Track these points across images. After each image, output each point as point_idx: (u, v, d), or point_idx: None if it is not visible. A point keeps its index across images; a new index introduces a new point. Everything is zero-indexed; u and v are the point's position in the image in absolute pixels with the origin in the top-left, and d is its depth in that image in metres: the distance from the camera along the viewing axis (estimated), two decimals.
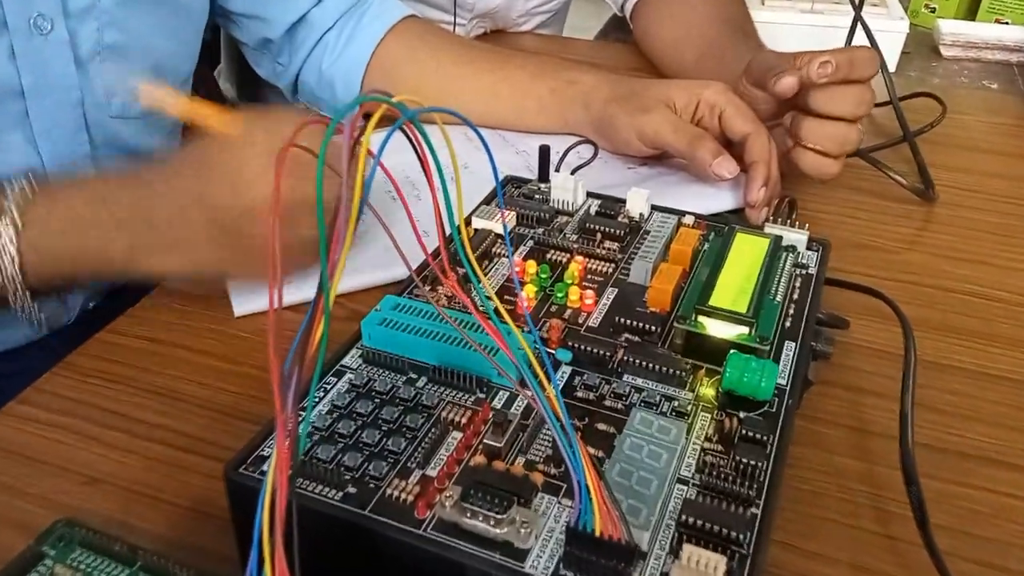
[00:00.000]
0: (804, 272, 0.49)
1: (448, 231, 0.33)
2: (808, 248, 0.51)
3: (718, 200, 0.66)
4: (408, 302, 0.43)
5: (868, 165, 0.73)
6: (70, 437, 0.47)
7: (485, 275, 0.48)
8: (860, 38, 0.76)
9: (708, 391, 0.40)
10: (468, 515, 0.32)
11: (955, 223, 0.69)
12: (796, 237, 0.50)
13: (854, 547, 0.42)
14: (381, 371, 0.40)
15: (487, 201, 0.54)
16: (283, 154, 0.28)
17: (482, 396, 0.39)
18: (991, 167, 0.78)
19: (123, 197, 0.52)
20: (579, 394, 0.39)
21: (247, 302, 0.55)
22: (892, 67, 0.97)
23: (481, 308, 0.36)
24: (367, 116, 0.28)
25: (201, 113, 0.52)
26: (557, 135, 0.76)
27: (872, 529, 0.43)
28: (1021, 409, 0.50)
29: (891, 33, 0.95)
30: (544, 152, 0.54)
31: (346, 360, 0.41)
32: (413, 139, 0.30)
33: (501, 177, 0.58)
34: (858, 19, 0.79)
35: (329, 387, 0.39)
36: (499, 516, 0.32)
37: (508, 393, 0.39)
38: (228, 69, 1.11)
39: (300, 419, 0.29)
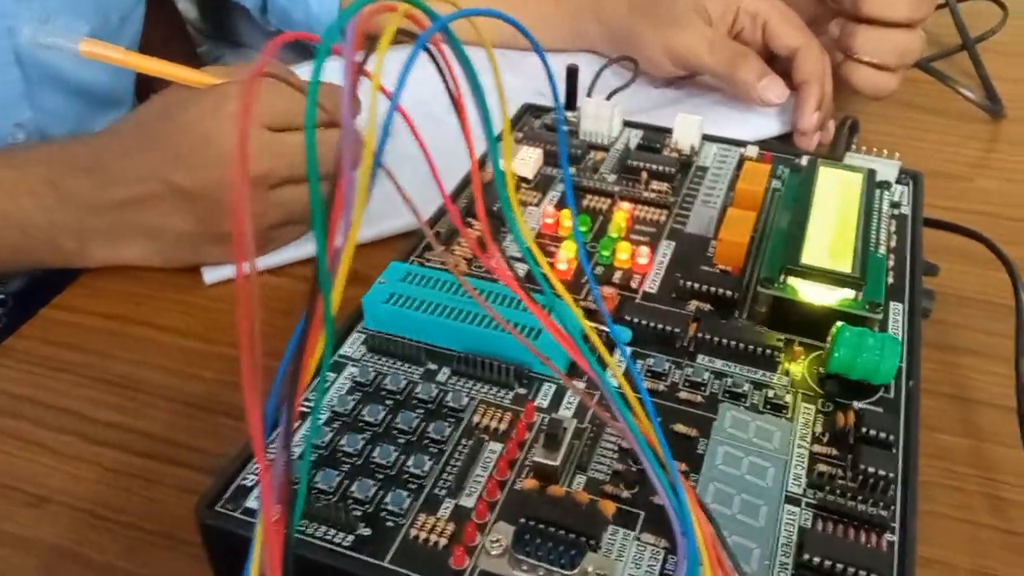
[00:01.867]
0: (898, 212, 0.40)
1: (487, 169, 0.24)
2: (900, 181, 0.42)
3: (763, 124, 0.57)
4: (419, 270, 0.34)
5: (926, 78, 0.64)
6: (8, 444, 0.38)
7: (510, 232, 0.39)
8: None
9: (807, 374, 0.31)
10: (524, 568, 0.24)
11: None
12: (884, 169, 0.41)
13: (974, 549, 0.34)
14: (391, 362, 0.32)
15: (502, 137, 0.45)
16: (250, 85, 0.19)
17: (523, 392, 0.31)
18: None
19: (70, 176, 0.43)
20: (645, 384, 0.31)
21: (219, 267, 0.46)
22: None
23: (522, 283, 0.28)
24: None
25: (154, 69, 0.42)
26: (570, 52, 0.66)
27: (992, 524, 0.35)
28: None
29: None
30: (572, 73, 0.44)
31: (346, 348, 0.32)
32: (441, 60, 0.21)
33: (515, 107, 0.48)
34: None
35: (327, 386, 0.31)
36: (567, 571, 0.24)
37: (556, 385, 0.31)
38: None
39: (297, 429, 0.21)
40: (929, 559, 0.34)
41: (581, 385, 0.31)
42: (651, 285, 0.36)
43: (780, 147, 0.45)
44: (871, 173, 0.38)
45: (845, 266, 0.33)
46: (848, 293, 0.32)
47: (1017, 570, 0.33)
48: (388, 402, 0.30)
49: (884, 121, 0.61)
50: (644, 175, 0.42)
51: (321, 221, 0.17)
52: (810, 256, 0.33)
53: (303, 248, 0.47)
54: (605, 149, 0.44)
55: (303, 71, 0.62)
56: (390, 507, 0.26)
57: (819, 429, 0.29)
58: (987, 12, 0.74)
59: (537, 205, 0.40)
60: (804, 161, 0.42)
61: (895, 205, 0.40)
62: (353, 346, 0.32)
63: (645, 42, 0.59)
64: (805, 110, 0.54)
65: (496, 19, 0.69)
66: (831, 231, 0.35)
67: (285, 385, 0.18)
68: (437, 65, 0.21)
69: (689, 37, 0.56)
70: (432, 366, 0.31)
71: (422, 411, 0.29)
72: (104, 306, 0.45)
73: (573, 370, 0.31)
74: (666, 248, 0.38)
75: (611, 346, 0.32)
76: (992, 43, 0.71)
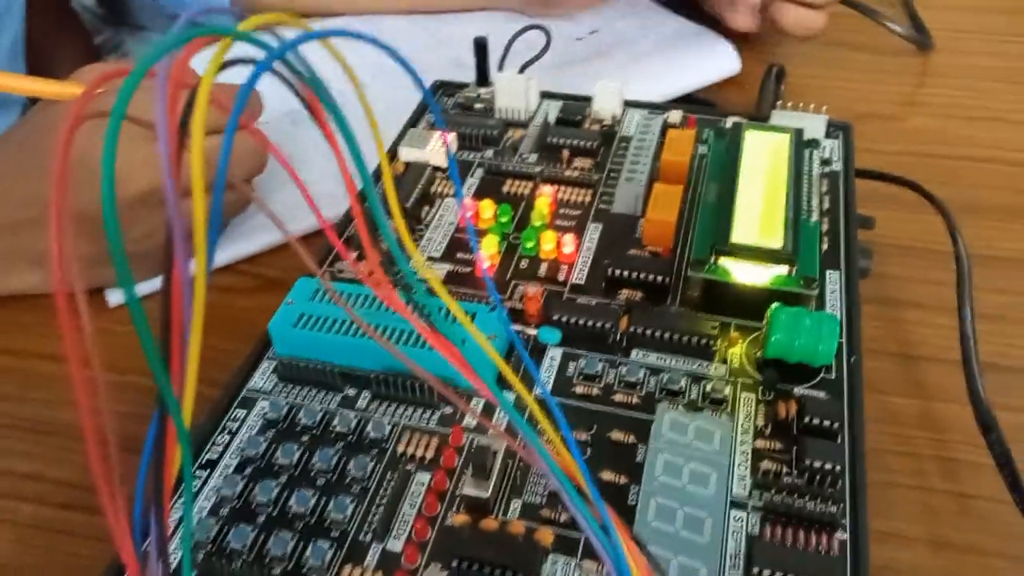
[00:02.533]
0: (829, 170, 0.38)
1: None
2: (826, 136, 0.40)
3: (698, 71, 0.55)
4: (332, 284, 0.32)
5: (851, 13, 0.62)
6: None
7: (427, 228, 0.36)
8: None
9: (746, 359, 0.30)
10: None
11: (958, 74, 0.59)
12: (811, 124, 0.39)
13: (928, 517, 0.34)
14: (306, 392, 0.29)
15: (413, 121, 0.42)
16: (75, 115, 0.16)
17: (449, 411, 0.29)
18: (986, 1, 0.68)
19: None
20: (578, 389, 0.29)
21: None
22: None
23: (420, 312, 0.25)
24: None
25: (11, 86, 0.39)
26: (478, 11, 0.63)
27: (945, 488, 0.35)
28: None
29: None
30: (481, 46, 0.42)
31: (255, 380, 0.30)
32: (294, 85, 0.18)
33: (429, 83, 0.45)
34: None
35: (236, 427, 0.28)
36: None
37: (484, 400, 0.29)
38: None
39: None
40: (884, 533, 0.33)
41: (518, 443, 0.29)
42: (579, 276, 0.34)
43: (705, 109, 0.43)
44: (798, 133, 0.37)
45: (776, 242, 0.31)
46: (781, 270, 0.31)
47: (971, 535, 0.33)
48: (304, 438, 0.28)
49: (811, 63, 0.60)
50: (566, 152, 0.39)
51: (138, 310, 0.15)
52: (740, 233, 0.31)
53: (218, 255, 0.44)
54: (524, 125, 0.42)
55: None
56: (311, 562, 0.24)
57: (761, 422, 0.28)
58: None
59: (454, 196, 0.38)
60: (730, 123, 0.40)
61: (825, 163, 0.38)
62: (263, 377, 0.30)
63: None
64: None
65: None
66: (760, 203, 0.33)
67: (148, 492, 0.16)
68: (294, 89, 0.18)
69: None
70: (351, 391, 0.29)
71: (341, 445, 0.27)
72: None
73: (504, 381, 0.29)
74: (593, 232, 0.36)
75: (541, 349, 0.31)
76: None
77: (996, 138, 0.53)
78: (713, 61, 0.55)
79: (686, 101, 0.54)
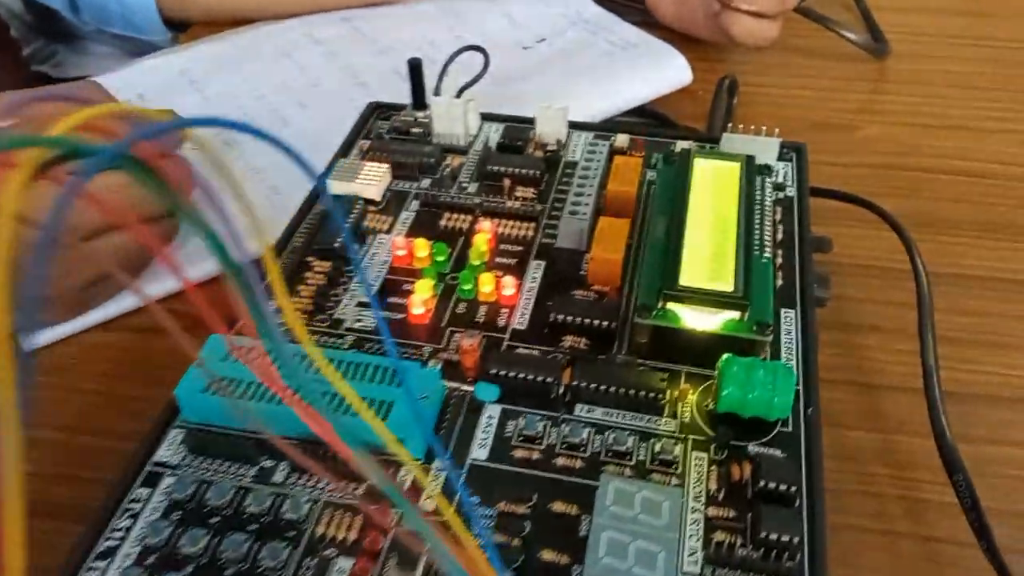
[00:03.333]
0: (783, 195, 0.36)
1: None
2: (779, 158, 0.38)
3: (649, 83, 0.52)
4: (249, 341, 0.29)
5: (803, 20, 0.60)
6: None
7: (360, 263, 0.34)
8: None
9: (697, 413, 0.28)
10: None
11: (915, 79, 0.58)
12: (763, 148, 0.37)
13: (894, 564, 0.32)
14: (216, 465, 0.27)
15: (345, 148, 0.39)
16: None
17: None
18: (941, 2, 0.66)
19: None
20: (518, 453, 0.27)
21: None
22: None
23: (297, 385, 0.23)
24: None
25: None
26: (421, 6, 0.61)
27: (911, 532, 0.33)
28: None
29: None
30: (415, 68, 0.39)
31: (161, 453, 0.27)
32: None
33: (367, 102, 0.43)
34: None
35: (138, 508, 0.26)
36: None
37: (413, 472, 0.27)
38: None
39: None
40: None
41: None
42: (520, 320, 0.31)
43: (654, 127, 0.41)
44: (749, 160, 0.34)
45: (727, 284, 0.29)
46: (733, 315, 0.29)
47: None
48: (213, 521, 0.25)
49: (765, 72, 0.58)
50: (507, 182, 0.37)
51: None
52: (689, 275, 0.29)
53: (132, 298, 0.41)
54: (463, 152, 0.39)
55: (112, 80, 0.55)
56: None
57: (714, 485, 0.26)
58: None
59: (388, 231, 0.35)
60: (679, 148, 0.38)
61: (779, 188, 0.36)
62: (171, 448, 0.27)
63: None
64: None
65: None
66: (710, 239, 0.31)
67: None
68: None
69: None
70: (267, 463, 0.27)
71: (254, 528, 0.25)
72: None
73: (432, 454, 0.27)
74: (536, 270, 0.33)
75: (478, 407, 0.28)
76: None
77: (956, 147, 0.51)
78: (664, 72, 0.53)
79: (638, 114, 0.52)
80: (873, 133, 0.53)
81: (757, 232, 0.32)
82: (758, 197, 0.33)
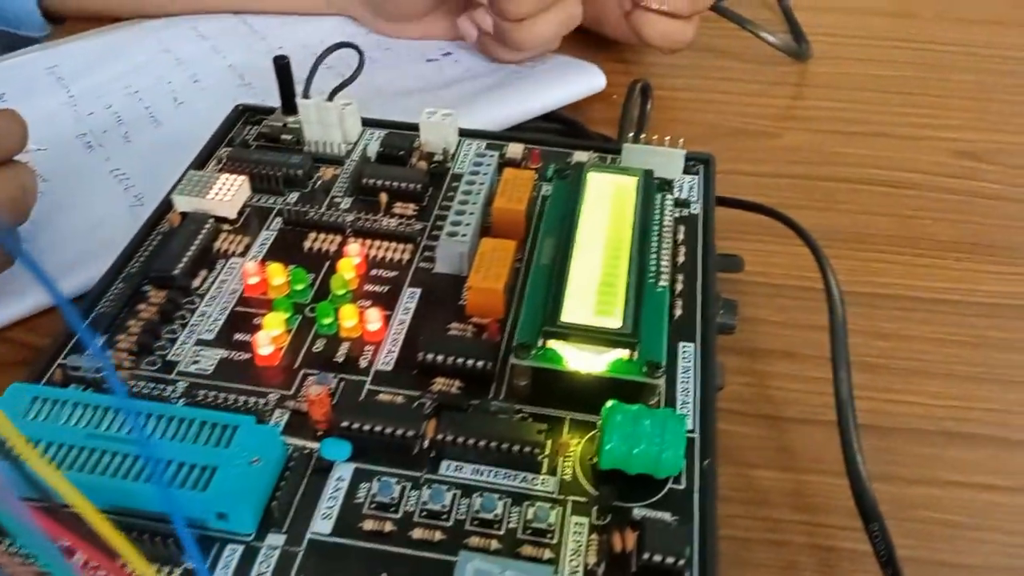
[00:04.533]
0: (687, 213, 0.33)
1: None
2: (687, 171, 0.35)
3: (555, 90, 0.49)
4: (55, 393, 0.24)
5: (722, 20, 0.58)
6: None
7: (203, 296, 0.29)
8: None
9: (579, 468, 0.24)
10: None
11: (837, 83, 0.55)
12: (667, 159, 0.34)
13: None
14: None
15: (204, 157, 0.35)
16: None
17: (190, 568, 0.22)
18: (864, 2, 0.64)
19: None
20: (367, 525, 0.23)
21: None
22: None
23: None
24: None
25: None
26: (318, 16, 0.56)
27: None
28: (970, 344, 0.38)
29: None
30: (283, 69, 0.35)
31: None
32: None
33: (233, 105, 0.38)
34: None
35: None
36: None
37: (243, 545, 0.22)
38: None
39: None
40: None
41: None
42: (387, 360, 0.27)
43: (557, 138, 0.38)
44: (647, 175, 0.31)
45: (615, 320, 0.25)
46: (621, 354, 0.25)
47: None
48: None
49: (681, 74, 0.55)
50: (384, 197, 0.33)
51: None
52: (573, 309, 0.26)
53: None
54: (339, 162, 0.35)
55: None
56: None
57: (593, 559, 0.22)
58: None
59: (244, 254, 0.31)
60: (577, 157, 0.35)
61: (683, 205, 0.33)
62: None
63: None
64: None
65: None
66: (600, 267, 0.27)
67: None
68: None
69: None
70: (66, 542, 0.22)
71: None
72: None
73: (265, 528, 0.23)
74: (410, 300, 0.30)
75: (327, 468, 0.24)
76: None
77: (878, 156, 0.49)
78: (576, 79, 0.49)
79: (548, 120, 0.48)
80: (793, 140, 0.50)
81: (654, 257, 0.28)
82: (656, 217, 0.30)
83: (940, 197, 0.46)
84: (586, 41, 0.54)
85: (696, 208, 0.33)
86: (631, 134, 0.47)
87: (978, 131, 0.51)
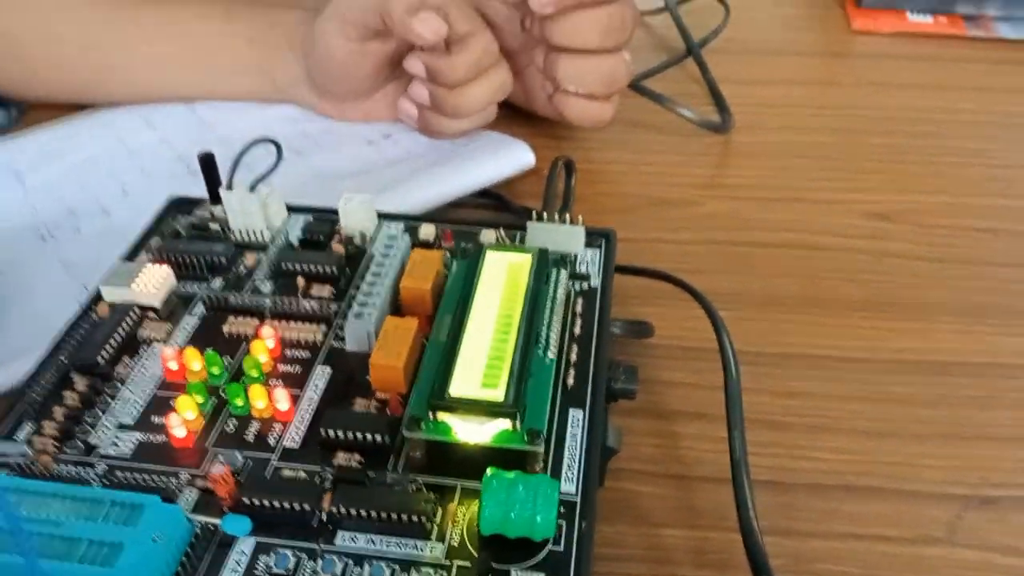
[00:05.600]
0: (586, 286, 0.35)
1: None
2: (588, 245, 0.37)
3: (486, 168, 0.52)
4: None
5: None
6: None
7: (125, 382, 0.31)
8: None
9: (467, 536, 0.26)
10: None
11: (758, 152, 0.58)
12: (567, 236, 0.37)
13: None
14: None
15: (133, 252, 0.37)
16: None
17: None
18: (786, 72, 0.68)
19: None
20: None
21: None
22: None
23: None
24: None
25: None
26: (268, 104, 0.59)
27: None
28: (871, 400, 0.40)
29: None
30: (207, 162, 0.37)
31: None
32: None
33: (168, 197, 0.41)
34: None
35: None
36: None
37: None
38: None
39: None
40: None
41: None
42: (294, 437, 0.29)
43: (467, 218, 0.40)
44: (542, 253, 0.33)
45: (499, 391, 0.27)
46: (504, 424, 0.27)
47: None
48: None
49: (608, 147, 0.58)
50: (301, 280, 0.35)
51: None
52: (461, 383, 0.28)
53: None
54: (262, 249, 0.37)
55: None
56: None
57: None
58: (712, 8, 0.72)
59: (166, 341, 0.33)
60: (484, 236, 0.37)
61: (582, 279, 0.35)
62: None
63: (322, 29, 0.52)
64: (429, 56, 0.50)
65: (173, 70, 0.61)
66: (490, 342, 0.29)
67: None
68: None
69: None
70: None
71: None
72: None
73: None
74: (320, 378, 0.31)
75: (229, 543, 0.26)
76: (720, 42, 0.69)
77: (794, 220, 0.52)
78: (507, 156, 0.52)
79: (479, 196, 0.51)
80: (714, 208, 0.53)
81: (543, 330, 0.30)
82: (550, 292, 0.32)
83: (851, 258, 0.49)
84: (519, 119, 0.57)
85: (596, 281, 0.36)
86: (568, 204, 0.50)
87: (890, 192, 0.54)
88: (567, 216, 0.37)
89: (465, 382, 0.28)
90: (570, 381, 0.31)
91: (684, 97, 0.61)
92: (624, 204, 0.53)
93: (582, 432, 0.29)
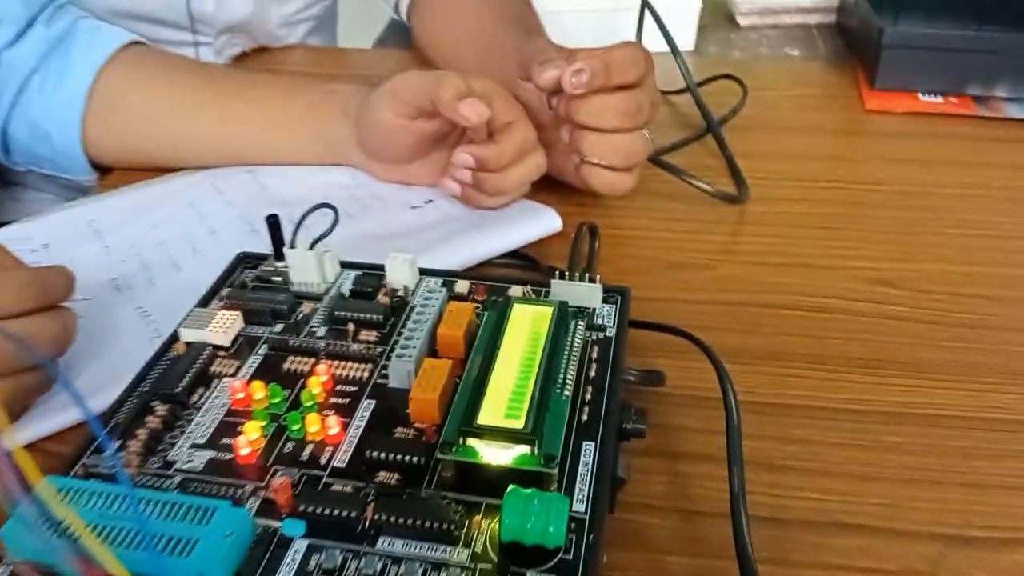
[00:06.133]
0: (602, 336, 0.40)
1: None
2: (605, 301, 0.42)
3: (517, 232, 0.57)
4: (80, 484, 0.31)
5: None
6: None
7: (199, 409, 0.36)
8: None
9: (489, 543, 0.30)
10: None
11: (771, 221, 0.63)
12: (586, 292, 0.41)
13: None
14: None
15: (206, 299, 0.43)
16: None
17: None
18: (801, 148, 0.73)
19: None
20: None
21: None
22: (690, 45, 0.91)
23: None
24: None
25: None
26: (325, 167, 0.65)
27: None
28: (863, 448, 0.44)
29: (684, 10, 0.89)
30: (273, 224, 0.43)
31: None
32: None
33: (237, 253, 0.46)
34: (645, 4, 0.72)
35: None
36: None
37: None
38: None
39: None
40: None
41: None
42: (342, 458, 0.34)
43: (497, 276, 0.45)
44: (562, 305, 0.38)
45: (520, 421, 0.32)
46: (523, 449, 0.32)
47: None
48: None
49: (631, 215, 0.63)
50: (351, 326, 0.40)
51: None
52: (488, 413, 0.32)
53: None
54: (318, 299, 0.43)
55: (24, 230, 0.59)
56: None
57: None
58: (733, 88, 0.78)
59: (234, 375, 0.38)
60: (513, 291, 0.42)
61: (598, 329, 0.40)
62: None
63: (374, 104, 0.59)
64: (476, 148, 0.56)
65: (243, 133, 0.68)
66: (514, 380, 0.34)
67: None
68: None
69: (404, 74, 0.58)
70: None
71: None
72: None
73: None
74: (366, 409, 0.36)
75: (287, 542, 0.30)
76: (739, 120, 0.75)
77: (801, 284, 0.56)
78: (537, 222, 0.58)
79: (511, 256, 0.56)
80: (726, 272, 0.57)
81: (561, 373, 0.35)
82: (568, 339, 0.37)
83: (852, 319, 0.53)
84: (550, 186, 0.63)
85: (611, 332, 0.40)
86: (592, 265, 0.55)
87: (893, 260, 0.58)
88: (587, 275, 0.42)
89: (491, 413, 0.32)
90: (584, 417, 0.35)
91: (703, 170, 0.66)
92: (644, 266, 0.58)
93: (593, 461, 0.33)
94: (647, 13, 0.72)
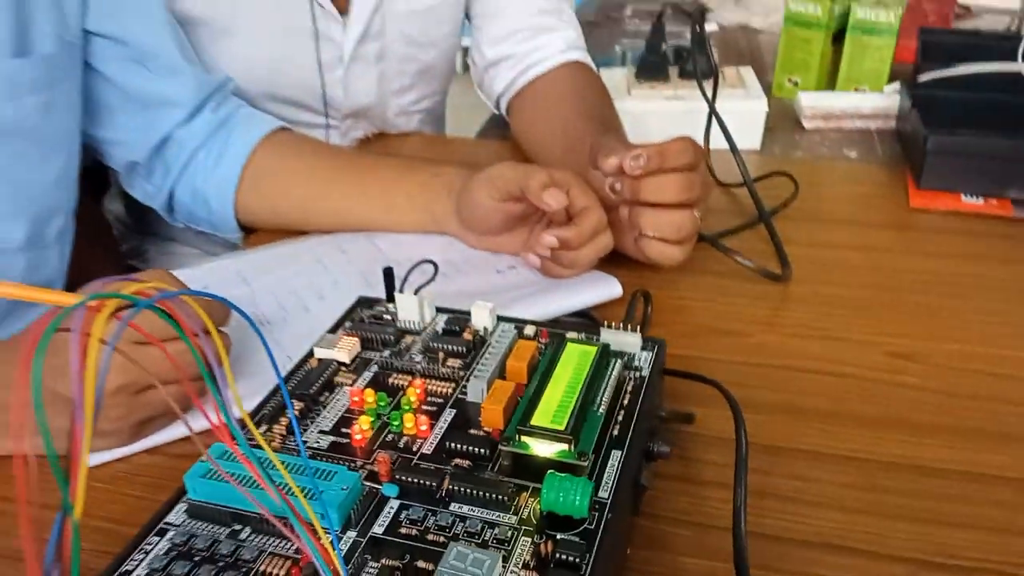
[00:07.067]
0: (638, 375, 0.50)
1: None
2: (645, 348, 0.52)
3: (583, 295, 0.68)
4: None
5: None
6: None
7: (325, 406, 0.48)
8: (727, 117, 0.80)
9: (532, 513, 0.40)
10: None
11: (810, 300, 0.72)
12: (629, 340, 0.52)
13: None
14: (205, 526, 0.40)
15: (333, 328, 0.55)
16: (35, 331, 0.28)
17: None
18: (846, 240, 0.81)
19: None
20: (403, 530, 0.40)
21: (96, 454, 0.54)
22: (756, 144, 1.01)
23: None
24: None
25: (15, 294, 0.52)
26: (429, 235, 0.78)
27: None
28: (860, 488, 0.52)
29: (752, 114, 1.00)
30: (388, 274, 0.55)
31: (171, 517, 0.41)
32: (177, 320, 0.30)
33: (357, 297, 0.59)
34: (712, 110, 0.83)
35: (149, 549, 0.39)
36: None
37: (331, 536, 0.39)
38: (117, 188, 1.11)
39: None
40: None
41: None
42: (428, 448, 0.45)
43: (561, 323, 0.56)
44: (606, 346, 0.49)
45: (560, 424, 0.42)
46: (563, 446, 0.42)
47: None
48: (195, 558, 0.38)
49: (686, 287, 0.73)
50: (442, 355, 0.52)
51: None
52: (539, 418, 0.43)
53: (171, 432, 0.55)
54: (417, 333, 0.54)
55: (184, 276, 0.73)
56: None
57: (528, 557, 0.38)
58: (786, 186, 0.88)
59: (352, 384, 0.50)
60: (570, 335, 0.53)
61: (636, 369, 0.50)
62: (177, 515, 0.41)
63: (473, 187, 0.71)
64: (559, 230, 0.67)
65: (364, 204, 0.83)
66: (560, 396, 0.45)
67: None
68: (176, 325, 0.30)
69: (500, 166, 0.70)
70: (237, 526, 0.40)
71: (221, 564, 0.38)
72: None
73: (346, 527, 0.40)
74: (448, 415, 0.47)
75: (384, 500, 0.41)
76: (791, 210, 0.84)
77: (827, 353, 0.64)
78: (599, 288, 0.69)
79: (577, 315, 0.67)
80: (763, 340, 0.66)
81: (599, 395, 0.45)
82: (607, 372, 0.47)
83: (868, 385, 0.61)
84: (615, 259, 0.73)
85: (645, 372, 0.50)
86: (645, 326, 0.65)
87: (915, 339, 0.66)
88: (629, 327, 0.52)
89: (541, 418, 0.43)
90: (615, 432, 0.45)
91: (754, 253, 0.75)
92: (690, 330, 0.67)
93: (618, 464, 0.43)
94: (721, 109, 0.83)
